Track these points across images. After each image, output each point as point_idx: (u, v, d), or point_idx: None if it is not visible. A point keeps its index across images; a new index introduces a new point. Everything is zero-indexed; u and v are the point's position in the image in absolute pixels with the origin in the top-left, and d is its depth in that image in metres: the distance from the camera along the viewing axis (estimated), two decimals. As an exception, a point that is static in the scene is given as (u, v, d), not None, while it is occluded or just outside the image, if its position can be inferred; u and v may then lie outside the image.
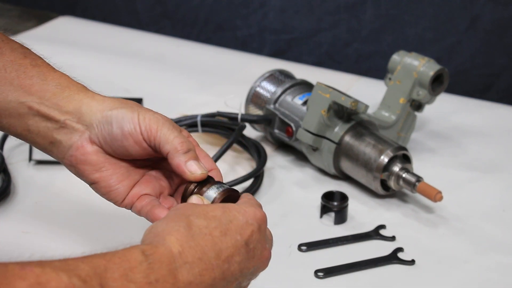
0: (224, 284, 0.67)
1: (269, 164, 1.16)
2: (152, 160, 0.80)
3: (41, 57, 0.81)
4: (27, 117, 0.78)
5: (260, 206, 0.73)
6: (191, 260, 0.64)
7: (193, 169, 0.75)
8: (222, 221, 0.68)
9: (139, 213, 0.79)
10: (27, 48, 0.81)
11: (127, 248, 0.62)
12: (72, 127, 0.77)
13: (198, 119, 1.17)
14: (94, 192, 0.80)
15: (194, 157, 0.76)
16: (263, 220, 0.72)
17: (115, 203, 0.79)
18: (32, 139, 0.79)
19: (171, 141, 0.75)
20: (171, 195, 0.81)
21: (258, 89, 1.21)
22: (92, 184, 0.79)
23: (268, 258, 0.72)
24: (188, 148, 0.75)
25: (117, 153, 0.78)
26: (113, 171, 0.78)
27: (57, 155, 0.79)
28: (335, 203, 1.04)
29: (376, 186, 1.08)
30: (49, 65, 0.81)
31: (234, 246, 0.68)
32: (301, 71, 1.35)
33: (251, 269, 0.70)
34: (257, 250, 0.70)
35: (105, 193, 0.78)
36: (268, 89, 1.20)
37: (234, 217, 0.69)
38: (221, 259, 0.66)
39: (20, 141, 0.81)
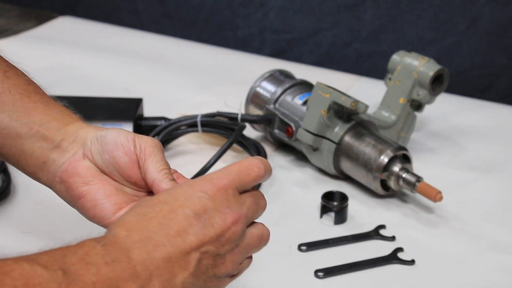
0: (188, 260, 0.65)
1: (269, 164, 1.16)
2: (137, 187, 0.79)
3: (41, 88, 0.83)
4: (24, 137, 0.79)
5: (214, 178, 0.70)
6: (139, 239, 0.63)
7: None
8: (167, 202, 0.67)
9: None
10: (30, 77, 0.84)
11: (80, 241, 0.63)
12: (67, 146, 0.79)
13: (198, 119, 1.17)
14: None
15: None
16: (215, 189, 0.68)
17: (101, 219, 0.77)
18: (24, 161, 0.79)
19: (159, 171, 0.75)
20: None
21: (258, 89, 1.21)
22: (79, 199, 0.78)
23: (235, 220, 0.68)
24: (172, 179, 0.76)
25: (106, 165, 0.78)
26: (101, 185, 0.78)
27: (47, 175, 0.79)
28: (335, 203, 1.04)
29: (376, 186, 1.08)
30: (50, 97, 0.83)
31: (184, 219, 0.66)
32: (301, 71, 1.35)
33: (215, 238, 0.67)
34: (214, 218, 0.67)
35: (91, 208, 0.77)
36: (268, 89, 1.20)
37: (180, 194, 0.68)
38: (171, 235, 0.64)
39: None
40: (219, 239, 0.67)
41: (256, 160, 0.72)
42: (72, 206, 0.80)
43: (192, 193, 0.68)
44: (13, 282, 0.55)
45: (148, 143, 0.77)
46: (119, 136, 0.78)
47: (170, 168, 0.78)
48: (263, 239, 0.73)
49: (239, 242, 0.69)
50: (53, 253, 0.60)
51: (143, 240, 0.64)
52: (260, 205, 0.73)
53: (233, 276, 0.71)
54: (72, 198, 0.78)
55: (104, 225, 0.77)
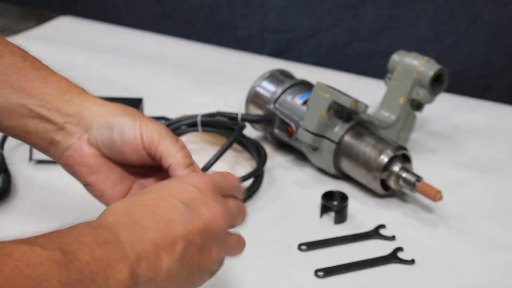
0: (175, 247, 0.66)
1: (269, 164, 1.16)
2: (142, 168, 0.81)
3: (39, 60, 0.82)
4: (26, 119, 0.79)
5: (201, 174, 0.72)
6: (127, 223, 0.65)
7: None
8: (155, 192, 0.69)
9: None
10: (25, 51, 0.82)
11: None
12: (71, 129, 0.79)
13: (198, 119, 1.17)
14: None
15: (194, 170, 0.77)
16: (203, 182, 0.70)
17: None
18: (30, 140, 0.80)
19: (174, 155, 0.77)
20: None
21: (258, 89, 1.22)
22: (86, 185, 0.81)
23: (220, 214, 0.69)
24: (190, 162, 0.77)
25: (114, 157, 0.79)
26: (107, 175, 0.80)
27: (54, 154, 0.81)
28: (335, 203, 1.04)
29: (376, 186, 1.08)
30: (48, 67, 0.82)
31: (171, 207, 0.67)
32: (301, 71, 1.35)
33: (201, 229, 0.68)
34: (201, 209, 0.68)
35: (98, 196, 0.80)
36: (268, 89, 1.21)
37: (169, 185, 0.70)
38: (159, 221, 0.66)
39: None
40: (205, 230, 0.68)
41: (231, 173, 0.76)
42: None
43: (180, 185, 0.70)
44: (15, 263, 0.56)
45: (154, 131, 0.78)
46: (125, 130, 0.77)
47: (185, 146, 0.79)
48: (241, 245, 0.75)
49: (223, 238, 0.70)
50: (48, 235, 0.62)
51: (131, 223, 0.65)
52: (242, 211, 0.75)
53: (212, 273, 0.72)
54: (80, 182, 0.81)
55: None
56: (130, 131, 0.77)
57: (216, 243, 0.69)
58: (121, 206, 0.68)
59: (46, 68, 0.81)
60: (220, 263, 0.72)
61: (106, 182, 0.80)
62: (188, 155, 0.78)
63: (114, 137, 0.78)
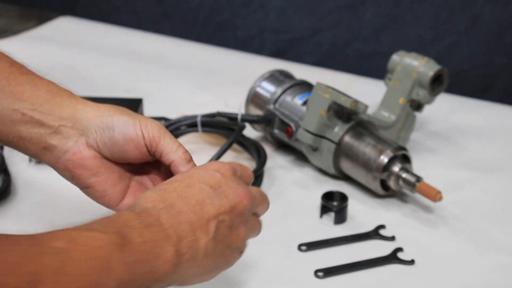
0: (208, 226, 0.71)
1: (269, 164, 1.16)
2: (137, 165, 0.83)
3: (25, 65, 0.82)
4: (19, 124, 0.78)
5: (225, 163, 0.77)
6: (163, 207, 0.69)
7: None
8: (183, 180, 0.73)
9: None
10: (11, 57, 0.82)
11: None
12: (67, 132, 0.79)
13: (198, 119, 1.17)
14: None
15: (194, 165, 0.80)
16: (225, 168, 0.75)
17: (108, 207, 0.81)
18: (24, 146, 0.80)
19: (175, 152, 0.79)
20: None
21: (258, 89, 1.22)
22: (87, 188, 0.80)
23: (245, 195, 0.74)
24: (190, 158, 0.80)
25: (114, 157, 0.80)
26: (107, 176, 0.80)
27: (49, 159, 0.80)
28: (335, 203, 1.04)
29: (376, 186, 1.08)
30: (35, 72, 0.82)
31: (201, 192, 0.72)
32: (301, 71, 1.35)
33: (229, 209, 0.72)
34: (228, 191, 0.73)
35: (99, 197, 0.81)
36: (268, 89, 1.21)
37: (195, 173, 0.74)
38: (191, 204, 0.71)
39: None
40: (232, 210, 0.73)
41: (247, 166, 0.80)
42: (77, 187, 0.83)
43: (205, 171, 0.74)
44: (80, 248, 0.60)
45: (154, 128, 0.79)
46: (127, 128, 0.78)
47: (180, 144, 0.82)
48: (259, 226, 0.79)
49: (248, 218, 0.75)
50: (100, 221, 0.66)
51: (167, 207, 0.69)
52: (264, 198, 0.79)
53: (240, 252, 0.76)
54: (79, 185, 0.81)
55: (114, 209, 0.81)
56: (132, 130, 0.78)
57: (243, 222, 0.74)
58: (154, 194, 0.71)
59: (33, 72, 0.81)
60: (246, 242, 0.76)
61: (107, 182, 0.80)
62: (186, 150, 0.80)
63: (116, 137, 0.78)
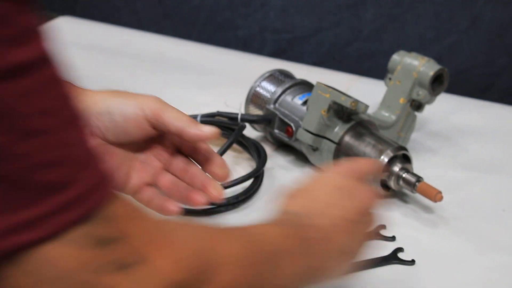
0: (346, 225, 0.75)
1: (269, 164, 1.16)
2: (140, 144, 0.83)
3: None
4: None
5: (343, 165, 0.83)
6: (307, 212, 0.74)
7: (208, 129, 0.82)
8: (312, 185, 0.80)
9: (147, 205, 0.83)
10: None
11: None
12: None
13: (198, 119, 1.17)
14: None
15: (199, 126, 0.82)
16: (345, 171, 0.81)
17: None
18: None
19: (181, 118, 0.80)
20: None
21: (258, 89, 1.21)
22: None
23: (370, 195, 0.79)
24: (195, 121, 0.82)
25: (119, 139, 0.81)
26: (113, 161, 0.81)
27: None
28: (335, 203, 1.04)
29: (376, 186, 1.08)
30: None
31: (330, 194, 0.77)
32: (301, 71, 1.34)
33: (358, 208, 0.77)
34: (355, 192, 0.77)
35: None
36: (268, 89, 1.20)
37: (320, 178, 0.80)
38: (326, 206, 0.75)
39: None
40: (360, 208, 0.77)
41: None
42: None
43: (330, 176, 0.79)
44: (270, 239, 0.66)
45: (152, 102, 0.81)
46: (125, 108, 0.79)
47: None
48: (378, 219, 0.83)
49: (373, 214, 0.80)
50: (273, 219, 0.72)
51: (311, 211, 0.74)
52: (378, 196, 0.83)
53: (370, 244, 0.81)
54: None
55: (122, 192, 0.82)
56: (130, 108, 0.79)
57: (372, 218, 0.79)
58: (294, 200, 0.77)
59: None
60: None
61: (112, 168, 0.80)
62: (189, 117, 0.82)
63: (116, 119, 0.79)
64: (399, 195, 1.10)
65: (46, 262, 0.48)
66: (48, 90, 0.48)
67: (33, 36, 0.47)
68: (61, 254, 0.48)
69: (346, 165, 0.83)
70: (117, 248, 0.51)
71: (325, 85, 1.10)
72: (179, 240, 0.56)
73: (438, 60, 1.19)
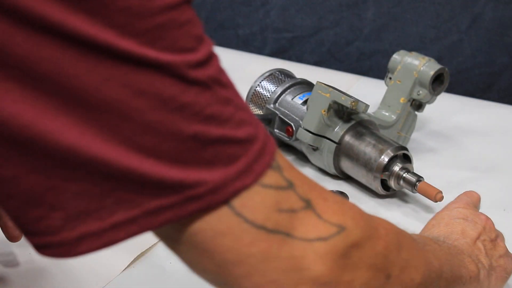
0: (478, 246, 0.88)
1: (269, 163, 1.16)
2: None
3: None
4: None
5: (459, 200, 1.02)
6: (444, 238, 0.88)
7: None
8: (438, 221, 0.95)
9: None
10: None
11: None
12: None
13: (198, 118, 1.16)
14: None
15: None
16: (463, 202, 0.99)
17: None
18: None
19: None
20: None
21: (258, 88, 1.21)
22: None
23: (485, 217, 0.95)
24: None
25: None
26: None
27: None
28: (335, 203, 1.04)
29: (376, 186, 1.08)
30: None
31: (459, 224, 0.92)
32: (301, 70, 1.34)
33: (482, 230, 0.91)
34: (474, 219, 0.93)
35: None
36: (268, 88, 1.20)
37: (443, 213, 0.96)
38: (459, 234, 0.90)
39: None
40: (485, 230, 0.91)
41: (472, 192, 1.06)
42: None
43: (451, 210, 0.95)
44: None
45: None
46: None
47: None
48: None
49: (495, 232, 0.94)
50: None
51: (448, 236, 0.88)
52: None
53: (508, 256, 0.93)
54: None
55: None
56: None
57: (495, 235, 0.92)
58: (431, 231, 0.92)
59: None
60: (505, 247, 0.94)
61: None
62: None
63: None
64: (400, 195, 1.10)
65: (251, 201, 0.56)
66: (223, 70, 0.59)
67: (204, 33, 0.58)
68: (262, 195, 0.57)
69: (463, 199, 1.00)
70: (290, 194, 0.59)
71: (325, 84, 1.10)
72: (333, 195, 0.64)
73: (439, 59, 1.19)
